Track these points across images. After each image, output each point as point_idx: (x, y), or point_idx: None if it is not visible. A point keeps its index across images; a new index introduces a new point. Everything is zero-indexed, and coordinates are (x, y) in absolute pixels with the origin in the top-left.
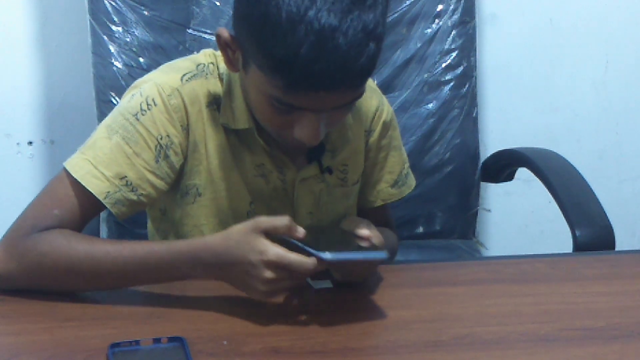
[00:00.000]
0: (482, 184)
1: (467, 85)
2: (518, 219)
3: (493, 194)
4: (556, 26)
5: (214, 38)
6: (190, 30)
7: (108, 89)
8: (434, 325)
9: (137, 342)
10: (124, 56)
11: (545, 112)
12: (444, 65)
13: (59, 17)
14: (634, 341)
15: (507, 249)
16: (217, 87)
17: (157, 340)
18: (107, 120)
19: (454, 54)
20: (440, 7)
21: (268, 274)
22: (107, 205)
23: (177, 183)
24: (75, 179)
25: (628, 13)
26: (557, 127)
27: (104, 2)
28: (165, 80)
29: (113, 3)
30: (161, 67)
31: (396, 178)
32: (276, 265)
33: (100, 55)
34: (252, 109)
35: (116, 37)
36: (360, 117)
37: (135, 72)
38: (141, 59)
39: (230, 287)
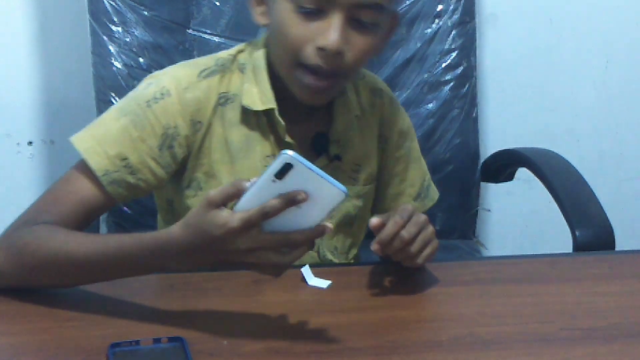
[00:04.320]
0: (482, 184)
1: (467, 85)
2: (518, 219)
3: (493, 193)
4: (556, 26)
5: (213, 38)
6: (190, 31)
7: (108, 89)
8: (434, 325)
9: (137, 342)
10: (123, 56)
11: (545, 112)
12: (444, 65)
13: (58, 18)
14: (634, 341)
15: (507, 249)
16: (232, 82)
17: (157, 340)
18: (119, 103)
19: (454, 54)
20: (440, 7)
21: (242, 243)
22: (103, 183)
23: (181, 175)
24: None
25: (628, 13)
26: (557, 127)
27: (103, 2)
28: (182, 74)
29: (113, 3)
30: (181, 62)
31: (418, 191)
32: (247, 231)
33: (100, 55)
34: (277, 47)
35: (116, 37)
36: (370, 122)
37: (135, 72)
38: (141, 59)
39: (230, 287)
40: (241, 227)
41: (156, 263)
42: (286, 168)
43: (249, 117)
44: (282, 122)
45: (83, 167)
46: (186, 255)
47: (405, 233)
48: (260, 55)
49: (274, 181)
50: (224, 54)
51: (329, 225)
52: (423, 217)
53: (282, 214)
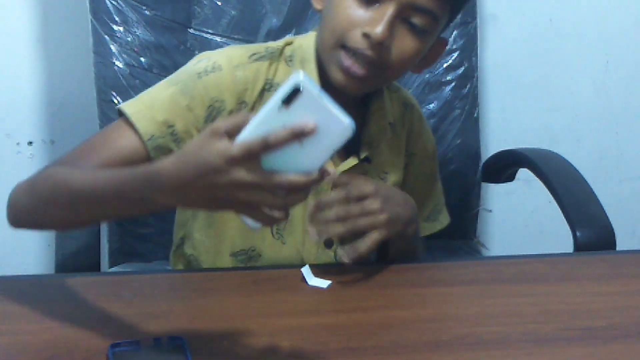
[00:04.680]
0: (483, 184)
1: (468, 86)
2: (519, 219)
3: (494, 194)
4: (556, 26)
5: (215, 38)
6: (191, 30)
7: (109, 88)
8: (434, 325)
9: (137, 342)
10: (125, 56)
11: (545, 113)
12: (445, 65)
13: (60, 17)
14: (634, 341)
15: (508, 249)
16: (278, 71)
17: (157, 340)
18: (171, 76)
19: (455, 55)
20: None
21: (239, 176)
22: (148, 147)
23: None
24: (126, 118)
25: (628, 13)
26: (557, 127)
27: (105, 1)
28: (234, 53)
29: (114, 2)
30: (233, 45)
31: (429, 213)
32: (246, 162)
33: (101, 54)
34: (325, 30)
35: (117, 37)
36: (400, 134)
37: (137, 71)
38: (142, 59)
39: (230, 287)
40: (241, 156)
41: (146, 194)
42: (294, 93)
43: None
44: None
45: (125, 128)
46: (178, 187)
47: (343, 211)
48: (309, 46)
49: (280, 109)
50: (273, 44)
51: (332, 169)
52: (375, 205)
53: (283, 151)
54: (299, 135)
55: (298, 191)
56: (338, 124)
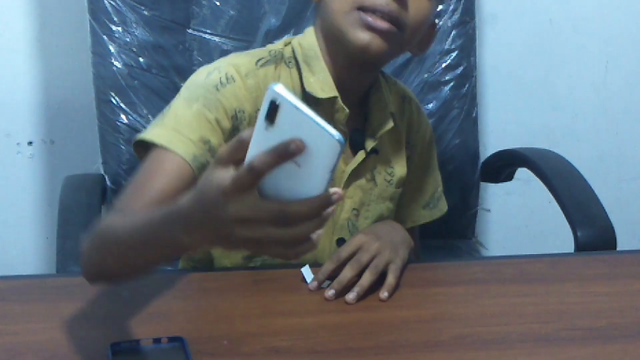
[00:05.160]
0: (483, 184)
1: (467, 86)
2: (518, 219)
3: (493, 194)
4: (556, 26)
5: (214, 38)
6: (190, 30)
7: (108, 88)
8: (434, 325)
9: (137, 342)
10: (123, 56)
11: (545, 112)
12: (444, 65)
13: (58, 17)
14: (634, 341)
15: (507, 249)
16: (285, 75)
17: (157, 340)
18: (183, 94)
19: (453, 54)
20: (440, 7)
21: (235, 210)
22: (194, 169)
23: None
24: (162, 146)
25: (628, 13)
26: (557, 127)
27: (103, 1)
28: (241, 61)
29: (113, 3)
30: (234, 53)
31: (428, 200)
32: (239, 194)
33: (100, 55)
34: (334, 11)
35: (116, 37)
36: (400, 127)
37: (135, 72)
38: (141, 59)
39: (230, 287)
40: (232, 186)
41: (167, 234)
42: (274, 109)
43: (310, 106)
44: (346, 110)
45: (165, 156)
46: (192, 224)
47: (355, 263)
48: (311, 44)
49: (266, 128)
50: (273, 46)
51: (338, 190)
52: (374, 246)
53: (280, 176)
54: (286, 155)
55: (303, 219)
56: (325, 138)
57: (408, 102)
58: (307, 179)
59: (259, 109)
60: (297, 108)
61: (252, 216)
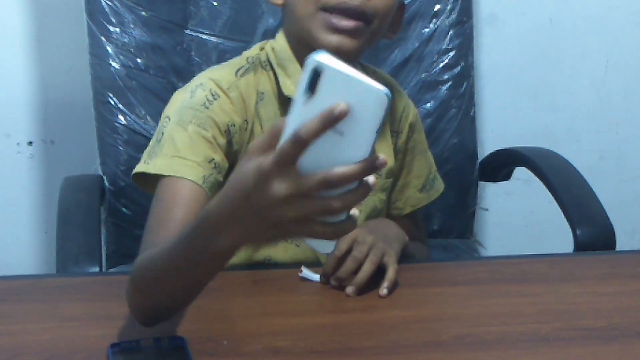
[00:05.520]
0: (480, 183)
1: (464, 85)
2: (517, 218)
3: (491, 193)
4: (556, 26)
5: (211, 39)
6: (187, 31)
7: (106, 89)
8: (434, 325)
9: (137, 342)
10: (121, 57)
11: (544, 112)
12: (441, 64)
13: (56, 18)
14: (634, 341)
15: (507, 248)
16: (264, 79)
17: (157, 340)
18: (173, 119)
19: (451, 54)
20: (437, 6)
21: (278, 188)
22: (207, 190)
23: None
24: (170, 177)
25: (628, 13)
26: (557, 127)
27: (101, 2)
28: (221, 75)
29: (110, 3)
30: (211, 67)
31: (424, 182)
32: (281, 171)
33: (97, 55)
34: (296, 3)
35: (114, 38)
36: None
37: (133, 72)
38: (139, 60)
39: (230, 287)
40: (274, 165)
41: (205, 244)
42: (315, 77)
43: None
44: None
45: (175, 184)
46: (227, 222)
47: (357, 253)
48: (283, 47)
49: (306, 101)
50: (249, 52)
51: (382, 156)
52: (369, 239)
53: (325, 147)
54: (331, 120)
55: (347, 181)
56: (372, 94)
57: (404, 119)
58: (350, 146)
59: (246, 120)
60: (341, 72)
61: (297, 191)
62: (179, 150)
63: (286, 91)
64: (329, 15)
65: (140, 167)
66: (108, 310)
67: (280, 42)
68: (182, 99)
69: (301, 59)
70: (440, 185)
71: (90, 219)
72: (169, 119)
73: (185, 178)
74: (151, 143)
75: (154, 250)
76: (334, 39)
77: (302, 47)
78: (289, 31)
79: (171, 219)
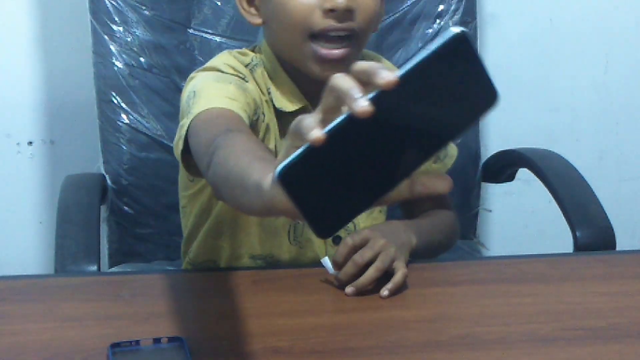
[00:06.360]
0: (483, 184)
1: None
2: (518, 219)
3: (494, 194)
4: (556, 26)
5: (215, 38)
6: (191, 30)
7: (109, 88)
8: (434, 325)
9: (137, 342)
10: (124, 56)
11: (545, 112)
12: None
13: (59, 17)
14: (634, 341)
15: (508, 249)
16: (266, 79)
17: (157, 340)
18: (210, 77)
19: None
20: (441, 7)
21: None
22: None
23: None
24: (212, 108)
25: (628, 13)
26: (557, 127)
27: (104, 1)
28: (234, 64)
29: (114, 2)
30: (217, 55)
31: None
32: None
33: (101, 54)
34: (282, 30)
35: (117, 37)
36: None
37: (136, 71)
38: (142, 59)
39: (230, 287)
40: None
41: (262, 200)
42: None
43: (283, 120)
44: None
45: (216, 112)
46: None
47: (359, 257)
48: (270, 57)
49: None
50: (248, 50)
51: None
52: (380, 243)
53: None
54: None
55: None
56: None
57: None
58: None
59: (263, 112)
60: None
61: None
62: (220, 93)
63: (278, 104)
64: (317, 46)
65: (182, 125)
66: (108, 310)
67: (266, 54)
68: (209, 74)
69: (289, 71)
70: (453, 150)
71: (90, 218)
72: (195, 93)
73: (228, 109)
74: (187, 105)
75: (229, 158)
76: (324, 68)
77: (289, 65)
78: (272, 49)
79: (223, 123)
